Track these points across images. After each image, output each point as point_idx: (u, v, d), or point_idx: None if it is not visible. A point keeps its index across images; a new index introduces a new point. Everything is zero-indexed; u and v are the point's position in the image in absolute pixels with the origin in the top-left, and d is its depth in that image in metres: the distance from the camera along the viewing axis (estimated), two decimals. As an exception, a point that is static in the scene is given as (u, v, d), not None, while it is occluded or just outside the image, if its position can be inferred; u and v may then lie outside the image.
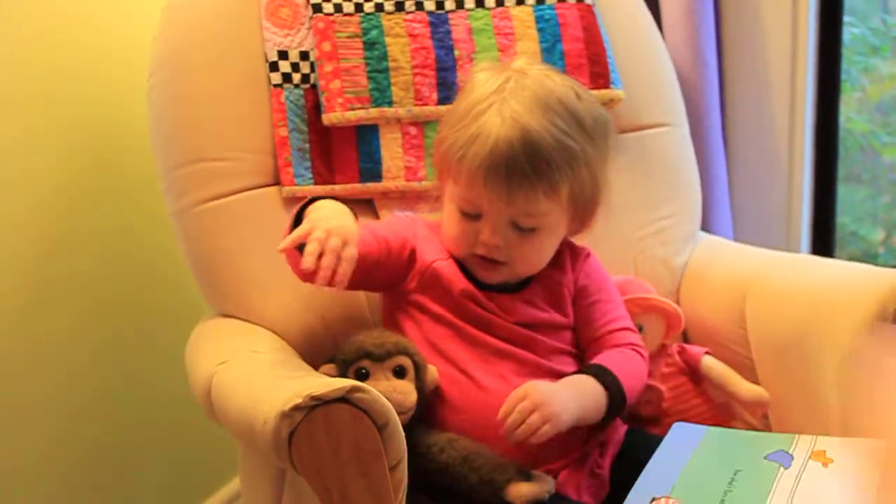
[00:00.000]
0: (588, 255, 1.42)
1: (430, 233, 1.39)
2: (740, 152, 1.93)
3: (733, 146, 1.92)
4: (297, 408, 1.08)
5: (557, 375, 1.33)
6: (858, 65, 2.35)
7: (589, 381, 1.31)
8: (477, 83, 1.32)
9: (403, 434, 1.13)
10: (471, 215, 1.31)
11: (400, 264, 1.36)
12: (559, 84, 1.32)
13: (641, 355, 1.39)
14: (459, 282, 1.34)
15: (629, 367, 1.36)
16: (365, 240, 1.28)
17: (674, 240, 1.61)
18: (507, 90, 1.29)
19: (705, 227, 1.74)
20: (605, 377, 1.32)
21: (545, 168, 1.27)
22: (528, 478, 1.26)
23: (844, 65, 1.96)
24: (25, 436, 1.52)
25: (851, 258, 2.33)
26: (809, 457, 1.23)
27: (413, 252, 1.36)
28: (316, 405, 1.08)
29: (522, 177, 1.26)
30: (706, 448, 1.28)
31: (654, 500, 1.22)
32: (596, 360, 1.35)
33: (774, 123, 1.91)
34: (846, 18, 1.94)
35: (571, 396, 1.28)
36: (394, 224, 1.40)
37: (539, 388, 1.25)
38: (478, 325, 1.34)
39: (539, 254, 1.35)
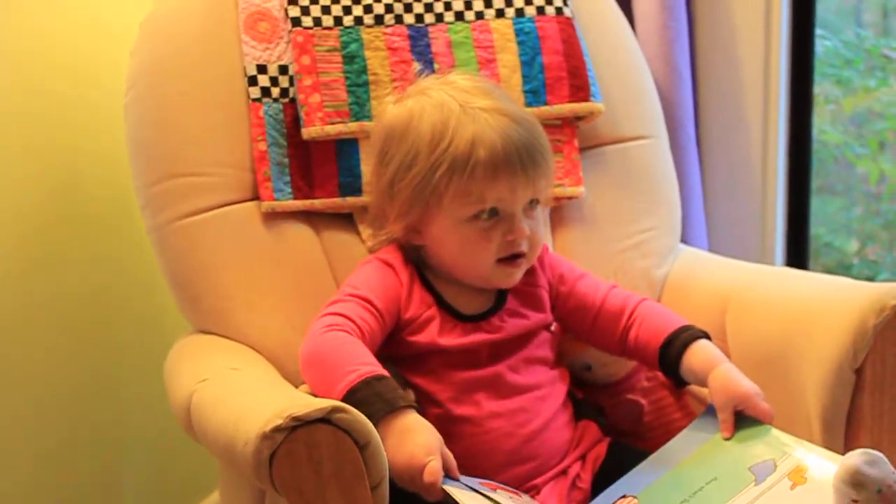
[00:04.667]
0: (545, 247, 1.45)
1: (403, 281, 1.36)
2: (715, 164, 1.94)
3: (708, 158, 1.93)
4: (277, 429, 1.07)
5: (527, 390, 1.34)
6: (831, 77, 2.37)
7: (711, 346, 1.37)
8: (413, 112, 1.32)
9: (385, 454, 1.13)
10: (490, 218, 1.31)
11: (392, 324, 1.34)
12: (476, 79, 1.38)
13: (645, 297, 1.45)
14: (451, 340, 1.33)
15: (672, 313, 1.43)
16: (372, 329, 1.29)
17: (654, 252, 1.61)
18: (454, 99, 1.31)
19: (680, 238, 1.74)
20: (698, 331, 1.37)
21: (542, 139, 1.33)
22: (505, 497, 1.25)
23: (817, 77, 1.97)
24: (3, 451, 1.52)
25: (826, 269, 2.35)
26: (787, 475, 1.23)
27: (400, 309, 1.34)
28: (297, 426, 1.07)
29: (536, 153, 1.31)
30: (707, 449, 1.30)
31: (619, 499, 1.25)
32: (655, 326, 1.39)
33: (748, 135, 1.92)
34: (818, 31, 1.96)
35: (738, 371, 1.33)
36: (380, 288, 1.34)
37: (742, 384, 1.31)
38: (457, 364, 1.34)
39: (542, 230, 1.38)
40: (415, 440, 1.16)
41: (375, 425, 1.14)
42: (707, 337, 1.37)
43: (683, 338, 1.36)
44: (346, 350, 1.24)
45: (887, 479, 1.12)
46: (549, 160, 1.34)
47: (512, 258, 1.33)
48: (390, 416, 1.17)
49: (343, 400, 1.16)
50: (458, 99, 1.31)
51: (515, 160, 1.29)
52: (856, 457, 1.13)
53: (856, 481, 1.12)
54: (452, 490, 1.15)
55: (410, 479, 1.15)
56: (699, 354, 1.35)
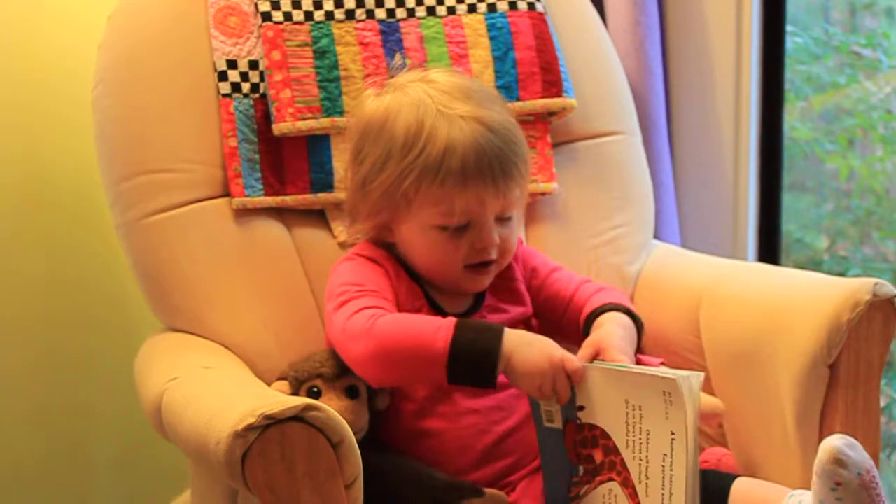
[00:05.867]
0: (519, 240, 1.45)
1: (391, 274, 1.35)
2: (686, 160, 1.94)
3: (679, 155, 1.93)
4: (250, 427, 1.06)
5: (503, 388, 1.33)
6: (802, 74, 2.38)
7: (618, 315, 1.36)
8: (390, 109, 1.31)
9: (359, 451, 1.12)
10: (459, 228, 1.30)
11: None
12: (458, 76, 1.36)
13: (615, 288, 1.47)
14: None
15: (622, 297, 1.43)
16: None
17: (627, 248, 1.61)
18: (432, 100, 1.29)
19: (653, 234, 1.75)
20: (617, 306, 1.37)
21: (517, 148, 1.31)
22: (479, 495, 1.25)
23: (788, 74, 1.98)
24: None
25: (797, 265, 2.36)
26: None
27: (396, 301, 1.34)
28: (270, 424, 1.07)
29: (510, 164, 1.30)
30: None
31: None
32: (593, 304, 1.39)
33: (720, 132, 1.93)
34: (789, 28, 1.96)
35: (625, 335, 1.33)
36: (377, 282, 1.33)
37: (611, 341, 1.29)
38: None
39: (516, 237, 1.37)
40: (541, 345, 1.22)
41: (498, 353, 1.19)
42: (629, 314, 1.36)
43: (596, 312, 1.37)
44: (410, 322, 1.24)
45: (865, 464, 1.14)
46: (525, 169, 1.33)
47: (481, 265, 1.33)
48: (504, 336, 1.20)
49: (450, 353, 1.18)
50: (437, 100, 1.29)
51: (486, 172, 1.28)
52: (835, 439, 1.14)
53: (839, 461, 1.12)
54: (592, 365, 1.23)
55: (554, 376, 1.21)
56: (598, 321, 1.35)
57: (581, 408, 1.23)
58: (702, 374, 1.18)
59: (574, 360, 1.22)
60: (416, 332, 1.21)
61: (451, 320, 1.22)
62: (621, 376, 1.21)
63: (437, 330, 1.20)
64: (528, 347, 1.20)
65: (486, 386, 1.20)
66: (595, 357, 1.27)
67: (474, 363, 1.19)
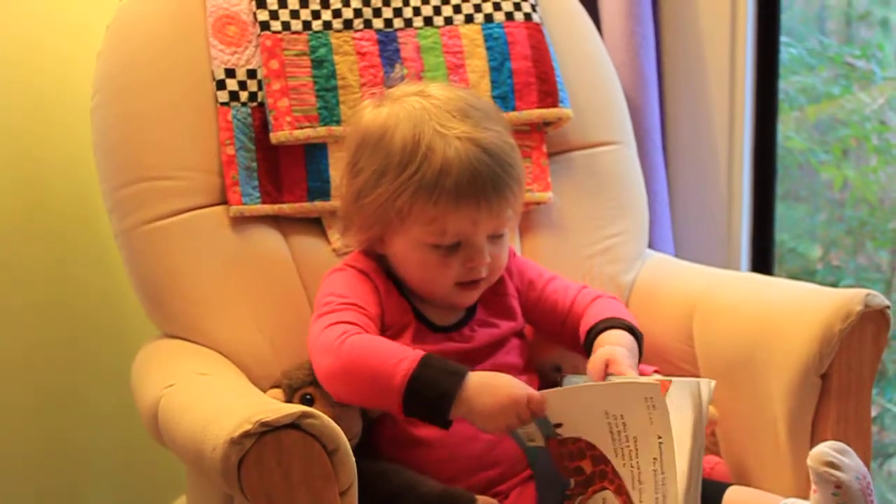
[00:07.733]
0: (513, 253, 1.45)
1: (380, 289, 1.36)
2: (681, 170, 1.95)
3: (674, 164, 1.94)
4: (246, 434, 1.07)
5: None
6: (796, 84, 2.39)
7: (621, 333, 1.35)
8: (388, 124, 1.31)
9: (354, 459, 1.13)
10: (451, 247, 1.31)
11: (380, 330, 1.35)
12: (456, 92, 1.35)
13: (612, 297, 1.46)
14: (424, 348, 1.30)
15: (620, 307, 1.43)
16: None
17: (622, 258, 1.62)
18: (430, 116, 1.30)
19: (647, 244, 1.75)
20: (618, 322, 1.37)
21: (512, 170, 1.31)
22: (472, 502, 1.25)
23: (782, 84, 1.98)
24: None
25: (790, 275, 2.37)
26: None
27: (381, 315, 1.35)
28: (266, 431, 1.08)
29: (504, 186, 1.30)
30: None
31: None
32: (593, 317, 1.38)
33: (714, 142, 1.94)
34: (783, 39, 1.97)
35: (627, 354, 1.32)
36: (364, 295, 1.34)
37: (620, 358, 1.29)
38: None
39: (507, 253, 1.38)
40: (503, 385, 1.21)
41: (457, 395, 1.18)
42: (630, 330, 1.36)
43: (599, 328, 1.37)
44: (378, 348, 1.24)
45: (862, 470, 1.14)
46: (518, 190, 1.33)
47: (471, 282, 1.34)
48: (465, 382, 1.20)
49: (406, 388, 1.19)
50: (434, 117, 1.30)
51: (480, 194, 1.28)
52: (822, 445, 1.15)
53: (831, 463, 1.13)
54: (555, 390, 1.24)
55: (517, 414, 1.20)
56: (600, 339, 1.35)
57: (559, 425, 1.23)
58: (713, 382, 1.20)
59: (535, 395, 1.21)
60: (380, 359, 1.22)
61: (417, 355, 1.21)
62: (591, 390, 1.22)
63: (399, 362, 1.20)
64: (491, 394, 1.20)
65: (440, 426, 1.21)
66: (605, 370, 1.28)
67: (429, 403, 1.20)
